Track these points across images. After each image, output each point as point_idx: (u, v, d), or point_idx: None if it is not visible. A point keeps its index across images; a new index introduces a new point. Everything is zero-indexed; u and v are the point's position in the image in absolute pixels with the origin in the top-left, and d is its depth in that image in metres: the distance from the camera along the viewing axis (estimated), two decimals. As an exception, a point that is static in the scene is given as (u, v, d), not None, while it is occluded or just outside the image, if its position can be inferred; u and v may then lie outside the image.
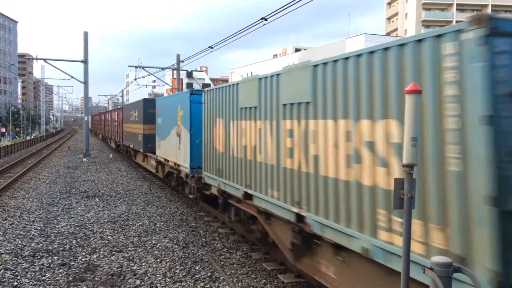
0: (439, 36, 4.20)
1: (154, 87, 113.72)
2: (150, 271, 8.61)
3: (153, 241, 10.65)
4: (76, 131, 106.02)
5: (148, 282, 8.04)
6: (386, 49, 4.91)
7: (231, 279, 8.22)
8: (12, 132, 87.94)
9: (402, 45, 4.67)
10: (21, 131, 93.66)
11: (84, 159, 31.49)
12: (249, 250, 9.96)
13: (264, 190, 7.94)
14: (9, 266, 8.80)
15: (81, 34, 33.37)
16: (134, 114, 24.21)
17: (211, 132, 11.04)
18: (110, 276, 8.31)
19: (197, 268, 8.80)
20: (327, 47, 57.76)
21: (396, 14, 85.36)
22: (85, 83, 33.50)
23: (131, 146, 25.60)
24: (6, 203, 15.22)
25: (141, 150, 21.87)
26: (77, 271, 8.59)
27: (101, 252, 9.77)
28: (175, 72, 36.31)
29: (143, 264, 9.02)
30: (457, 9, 78.18)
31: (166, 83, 46.14)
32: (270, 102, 7.70)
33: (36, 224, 12.29)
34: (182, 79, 39.15)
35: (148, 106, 21.06)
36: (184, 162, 13.73)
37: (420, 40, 4.42)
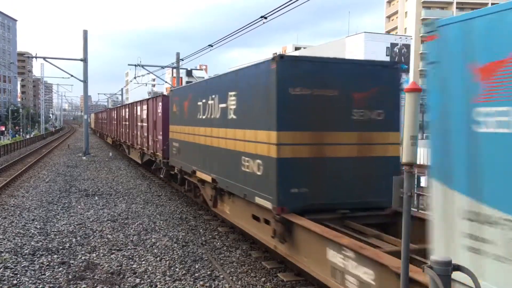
0: None
1: (153, 85, 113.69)
2: (150, 269, 8.61)
3: (153, 240, 10.65)
4: (76, 130, 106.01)
5: (148, 280, 8.04)
6: None
7: (230, 277, 8.23)
8: (11, 130, 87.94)
9: None
10: (21, 130, 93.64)
11: (84, 158, 31.47)
12: (248, 249, 9.96)
13: None
14: (8, 265, 8.80)
15: (81, 33, 33.34)
16: (212, 105, 10.33)
17: None
18: (109, 275, 8.31)
19: (196, 266, 8.80)
20: (326, 45, 57.66)
21: (396, 12, 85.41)
22: (85, 81, 33.45)
23: (203, 174, 11.28)
24: (5, 202, 15.22)
25: (270, 205, 7.38)
26: (76, 269, 8.59)
27: (101, 251, 9.77)
28: (174, 70, 36.29)
29: (143, 262, 9.02)
30: (457, 8, 78.24)
31: (166, 82, 46.17)
32: None
33: (36, 223, 12.29)
34: (181, 77, 39.13)
35: (299, 80, 7.26)
36: None
37: None
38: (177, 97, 14.16)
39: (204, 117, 11.01)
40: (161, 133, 16.99)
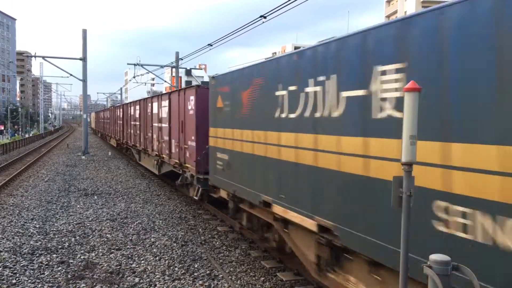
0: None
1: (153, 85, 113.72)
2: (149, 269, 8.61)
3: (152, 239, 10.65)
4: (75, 129, 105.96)
5: (147, 280, 8.04)
6: None
7: (230, 277, 8.23)
8: (10, 130, 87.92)
9: None
10: (20, 129, 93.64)
11: (83, 157, 31.45)
12: (248, 248, 9.96)
13: None
14: (7, 264, 8.80)
15: (80, 32, 33.33)
16: (316, 95, 6.00)
17: None
18: (109, 274, 8.31)
19: (196, 266, 8.80)
20: (326, 45, 57.43)
21: (395, 12, 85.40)
22: (84, 81, 33.43)
23: (290, 213, 6.76)
24: (4, 201, 15.21)
25: None
26: (76, 269, 8.59)
27: (100, 250, 9.77)
28: (174, 70, 36.29)
29: (142, 262, 9.02)
30: (456, 8, 78.15)
31: (165, 81, 46.19)
32: None
33: (35, 222, 12.28)
34: (181, 77, 39.13)
35: None
36: None
37: None
38: (226, 87, 9.64)
39: (293, 115, 6.65)
40: (193, 137, 12.71)
